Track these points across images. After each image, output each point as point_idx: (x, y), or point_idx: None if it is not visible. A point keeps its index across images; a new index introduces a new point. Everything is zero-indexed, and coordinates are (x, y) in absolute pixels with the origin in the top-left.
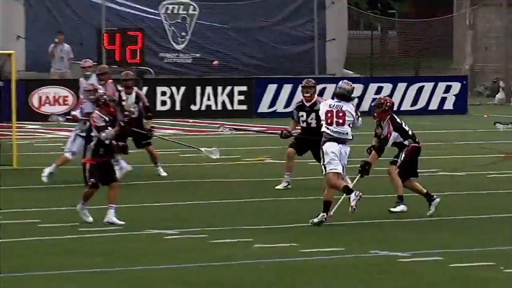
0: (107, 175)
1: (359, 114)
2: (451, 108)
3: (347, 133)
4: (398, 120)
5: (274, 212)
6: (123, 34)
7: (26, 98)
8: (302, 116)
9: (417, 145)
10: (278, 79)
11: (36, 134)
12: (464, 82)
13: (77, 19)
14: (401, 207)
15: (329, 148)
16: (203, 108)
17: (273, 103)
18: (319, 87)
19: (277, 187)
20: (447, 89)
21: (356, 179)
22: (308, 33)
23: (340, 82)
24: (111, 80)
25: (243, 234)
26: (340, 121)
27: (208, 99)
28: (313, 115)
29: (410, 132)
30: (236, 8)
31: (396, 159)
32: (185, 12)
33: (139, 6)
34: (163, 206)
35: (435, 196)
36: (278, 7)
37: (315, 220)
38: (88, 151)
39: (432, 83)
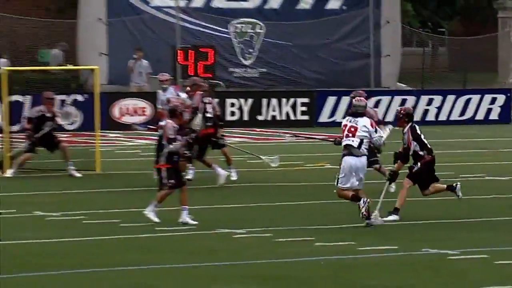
0: (179, 179)
1: (377, 128)
2: (496, 118)
3: (353, 141)
4: (417, 131)
5: (333, 213)
6: (196, 50)
7: (108, 109)
8: None
9: (431, 156)
10: (337, 91)
11: (117, 142)
12: (508, 95)
13: (154, 38)
14: (393, 217)
15: (346, 163)
16: (268, 118)
17: (332, 113)
18: (375, 99)
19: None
20: (493, 101)
21: (386, 186)
22: (365, 50)
23: (354, 101)
24: (201, 92)
25: (305, 234)
26: (350, 134)
27: (273, 110)
28: None
29: (428, 146)
30: (299, 27)
31: (413, 165)
32: (252, 30)
33: (210, 25)
34: (232, 207)
35: (454, 184)
36: (338, 26)
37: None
38: (162, 157)
39: (479, 95)
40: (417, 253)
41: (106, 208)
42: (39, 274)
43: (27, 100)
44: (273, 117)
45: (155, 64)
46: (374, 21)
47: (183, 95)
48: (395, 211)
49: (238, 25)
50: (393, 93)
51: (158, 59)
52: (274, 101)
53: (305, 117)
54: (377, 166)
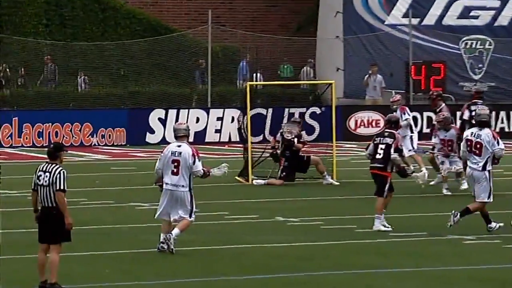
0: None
1: (498, 139)
2: None
3: (478, 165)
4: None
5: None
6: (428, 66)
7: (344, 121)
8: None
9: None
10: None
11: (352, 152)
12: None
13: (388, 53)
14: None
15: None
16: (497, 130)
17: None
18: None
19: None
20: None
21: None
22: None
23: (477, 110)
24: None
25: None
26: (477, 152)
27: (502, 122)
28: None
29: None
30: None
31: None
32: (482, 46)
33: (442, 42)
34: None
35: None
36: None
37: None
38: (389, 165)
39: None
40: None
41: (342, 214)
42: (276, 276)
43: (268, 113)
44: (501, 129)
45: (388, 79)
46: None
47: (407, 116)
48: None
49: (469, 42)
50: None
51: (391, 74)
52: (502, 113)
53: None
54: None
